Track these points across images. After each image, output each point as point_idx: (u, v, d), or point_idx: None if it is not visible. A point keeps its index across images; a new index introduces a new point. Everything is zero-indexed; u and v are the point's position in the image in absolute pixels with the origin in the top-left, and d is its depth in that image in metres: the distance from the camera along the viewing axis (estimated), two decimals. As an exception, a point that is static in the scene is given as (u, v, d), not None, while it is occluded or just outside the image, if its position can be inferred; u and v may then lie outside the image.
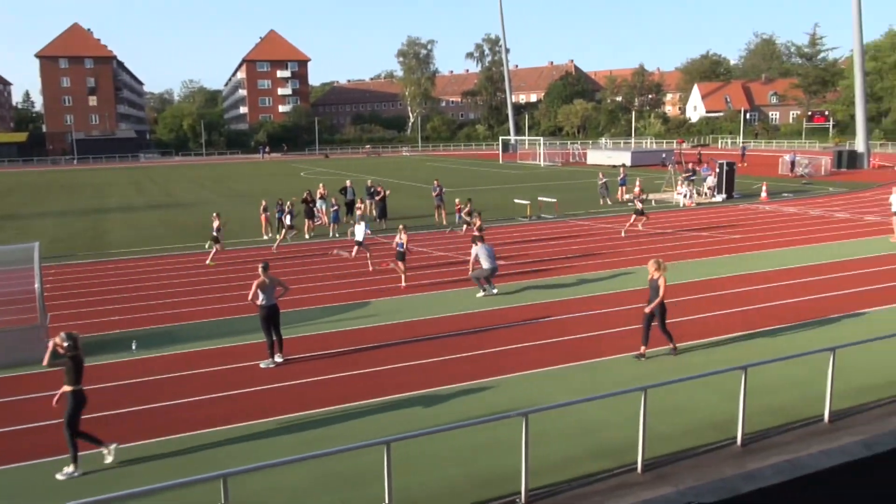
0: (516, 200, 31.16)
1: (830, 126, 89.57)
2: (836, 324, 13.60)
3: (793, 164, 48.14)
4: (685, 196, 33.14)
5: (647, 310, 11.84)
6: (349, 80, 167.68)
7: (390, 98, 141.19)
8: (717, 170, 34.73)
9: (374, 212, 28.80)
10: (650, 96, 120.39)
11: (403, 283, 17.26)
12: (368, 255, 19.91)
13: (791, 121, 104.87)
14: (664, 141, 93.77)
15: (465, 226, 25.28)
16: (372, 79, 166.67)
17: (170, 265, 20.92)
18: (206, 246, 22.70)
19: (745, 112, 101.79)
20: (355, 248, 20.30)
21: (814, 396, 9.75)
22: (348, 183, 29.56)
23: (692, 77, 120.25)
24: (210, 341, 13.40)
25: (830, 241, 22.76)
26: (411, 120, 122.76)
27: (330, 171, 61.57)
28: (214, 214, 21.93)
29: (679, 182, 35.29)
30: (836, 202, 33.27)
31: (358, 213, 21.30)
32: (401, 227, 17.30)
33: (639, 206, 25.13)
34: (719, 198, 33.97)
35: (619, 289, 16.73)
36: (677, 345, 12.28)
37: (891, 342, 10.27)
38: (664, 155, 58.69)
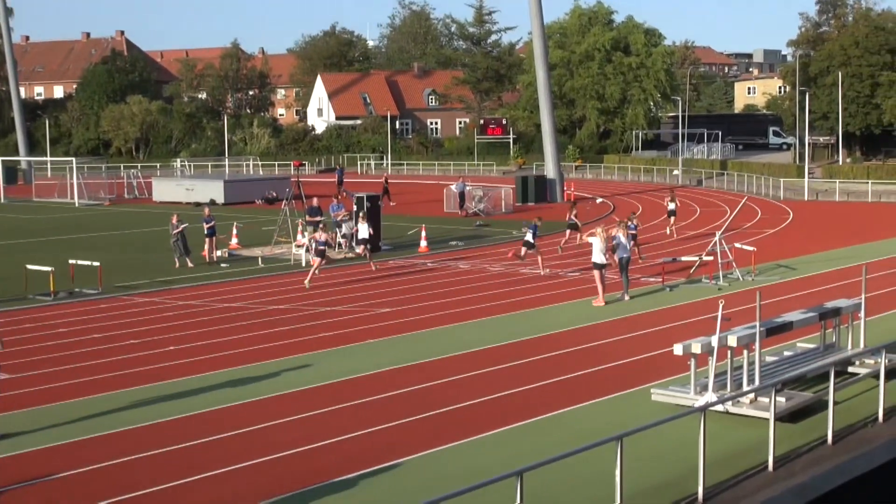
0: (31, 267, 29.74)
1: (511, 140, 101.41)
2: (527, 430, 15.15)
3: (462, 196, 53.31)
4: (309, 249, 34.52)
5: None
6: None
7: None
8: (355, 208, 36.92)
9: None
10: (251, 93, 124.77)
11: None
12: (540, 257, 31.19)
13: (458, 132, 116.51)
14: (275, 163, 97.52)
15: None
16: None
17: None
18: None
19: (394, 119, 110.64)
20: (523, 248, 31.03)
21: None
22: None
23: (314, 64, 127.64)
24: None
25: (518, 310, 25.47)
26: None
27: None
28: (321, 226, 30.43)
29: (300, 228, 36.74)
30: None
31: (536, 221, 31.91)
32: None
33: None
34: (360, 250, 36.04)
35: (205, 407, 16.76)
36: None
37: (595, 453, 11.69)
38: (269, 191, 60.87)
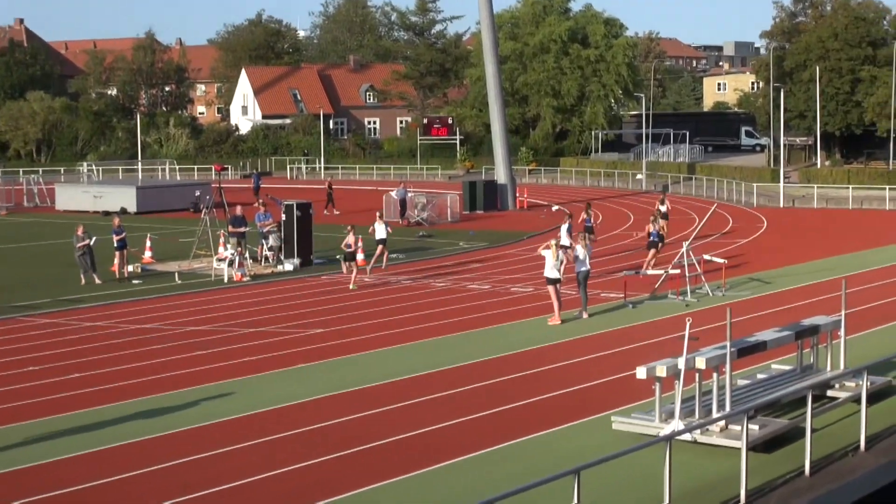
0: None
1: (458, 141, 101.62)
2: (477, 462, 15.17)
3: (403, 203, 53.30)
4: (232, 264, 34.38)
5: None
6: None
7: None
8: (284, 217, 36.82)
9: None
10: (168, 88, 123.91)
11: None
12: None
13: (399, 133, 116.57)
14: (195, 167, 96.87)
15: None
16: None
17: None
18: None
19: (328, 118, 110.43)
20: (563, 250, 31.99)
21: None
22: None
23: (238, 57, 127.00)
24: None
25: (466, 330, 25.52)
26: None
27: None
28: (349, 228, 32.88)
29: (221, 240, 36.47)
30: (471, 265, 37.52)
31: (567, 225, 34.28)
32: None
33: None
34: (289, 265, 35.96)
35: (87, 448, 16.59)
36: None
37: (550, 488, 11.71)
38: (198, 193, 60.48)
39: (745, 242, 43.12)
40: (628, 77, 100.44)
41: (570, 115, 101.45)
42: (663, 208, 42.85)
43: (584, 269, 26.69)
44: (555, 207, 60.10)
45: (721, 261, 31.67)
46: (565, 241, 32.10)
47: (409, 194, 54.80)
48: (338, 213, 56.99)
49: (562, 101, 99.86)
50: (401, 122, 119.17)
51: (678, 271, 29.98)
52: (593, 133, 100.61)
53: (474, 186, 61.56)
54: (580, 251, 26.69)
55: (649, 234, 34.42)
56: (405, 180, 69.68)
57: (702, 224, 36.37)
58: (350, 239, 32.21)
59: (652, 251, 33.91)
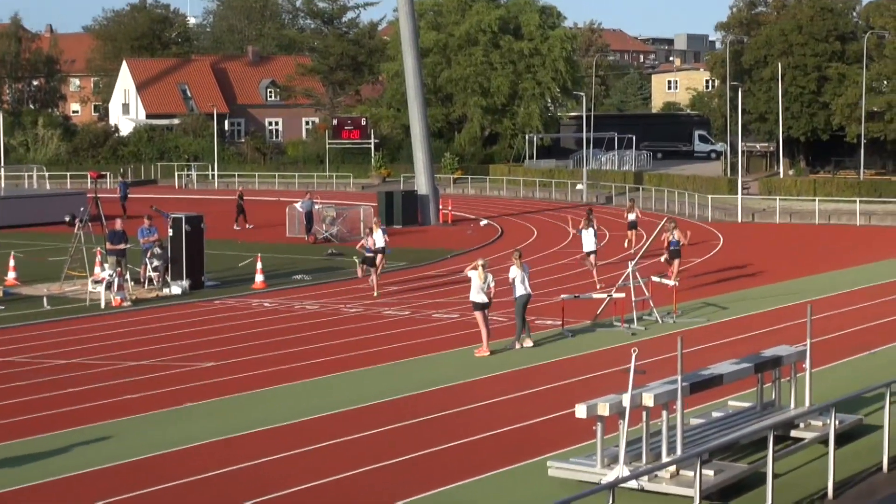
0: None
1: (372, 146, 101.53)
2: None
3: (309, 217, 53.12)
4: (110, 286, 34.02)
5: None
6: None
7: None
8: (171, 232, 36.48)
9: None
10: (36, 83, 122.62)
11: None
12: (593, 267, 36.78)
13: (305, 135, 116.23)
14: (67, 174, 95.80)
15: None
16: None
17: None
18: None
19: (222, 118, 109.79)
20: (590, 256, 36.99)
21: None
22: None
23: (118, 47, 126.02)
24: None
25: (381, 363, 25.46)
26: None
27: None
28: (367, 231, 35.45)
29: (98, 259, 36.05)
30: (387, 287, 37.42)
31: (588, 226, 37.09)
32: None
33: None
34: (177, 288, 35.62)
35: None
36: None
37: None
38: (83, 209, 59.91)
39: (698, 262, 43.45)
40: (567, 73, 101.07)
41: (501, 116, 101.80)
42: (632, 216, 46.43)
43: (523, 293, 26.51)
44: (483, 222, 60.53)
45: (671, 283, 31.91)
46: (590, 247, 36.69)
47: (317, 206, 54.66)
48: (250, 226, 57.00)
49: (491, 100, 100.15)
50: (307, 123, 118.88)
51: (623, 295, 30.09)
52: (527, 137, 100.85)
53: (391, 198, 61.56)
54: (516, 272, 26.52)
55: (669, 244, 35.28)
56: (311, 190, 69.38)
57: (650, 242, 36.55)
58: (368, 241, 35.69)
59: (676, 261, 34.93)
